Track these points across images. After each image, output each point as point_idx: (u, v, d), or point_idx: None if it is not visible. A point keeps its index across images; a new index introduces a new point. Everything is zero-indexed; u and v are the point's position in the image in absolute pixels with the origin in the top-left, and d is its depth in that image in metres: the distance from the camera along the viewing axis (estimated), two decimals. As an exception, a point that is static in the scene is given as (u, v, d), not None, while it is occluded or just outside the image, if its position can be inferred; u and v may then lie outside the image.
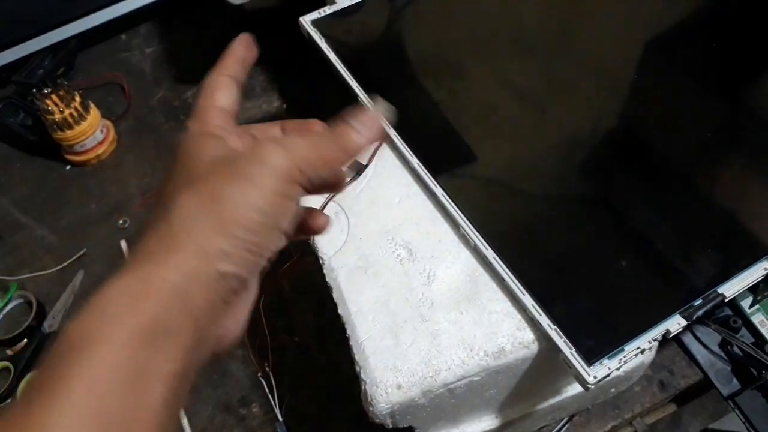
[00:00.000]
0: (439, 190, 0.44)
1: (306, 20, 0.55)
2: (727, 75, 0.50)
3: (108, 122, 0.75)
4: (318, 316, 0.59)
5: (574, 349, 0.36)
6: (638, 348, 0.36)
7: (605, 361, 0.35)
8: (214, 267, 0.27)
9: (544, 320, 0.37)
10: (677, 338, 0.52)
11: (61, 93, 0.69)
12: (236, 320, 0.30)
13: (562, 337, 0.36)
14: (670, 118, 0.48)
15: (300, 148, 0.30)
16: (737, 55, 0.51)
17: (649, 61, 0.51)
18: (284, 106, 0.74)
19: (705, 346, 0.51)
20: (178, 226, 0.27)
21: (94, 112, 0.72)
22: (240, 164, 0.29)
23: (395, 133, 0.47)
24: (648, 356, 0.45)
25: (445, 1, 0.58)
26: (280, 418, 0.53)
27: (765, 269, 0.38)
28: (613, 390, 0.48)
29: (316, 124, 0.35)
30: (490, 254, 0.40)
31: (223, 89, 0.34)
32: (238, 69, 0.36)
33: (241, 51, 0.36)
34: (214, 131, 0.32)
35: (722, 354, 0.51)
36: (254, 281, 0.31)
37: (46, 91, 0.68)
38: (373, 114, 0.32)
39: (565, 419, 0.50)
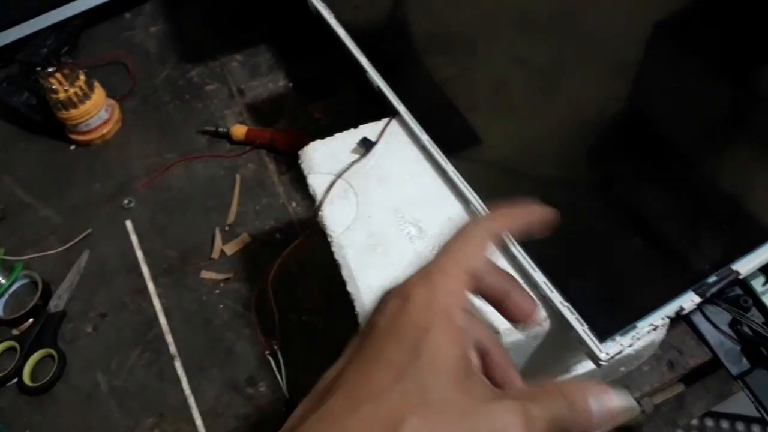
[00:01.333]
0: (450, 168, 0.43)
1: (314, -4, 0.54)
2: (737, 56, 0.49)
3: (113, 101, 0.74)
4: (325, 295, 0.58)
5: (586, 326, 0.35)
6: (651, 325, 0.35)
7: (618, 337, 0.35)
8: None
9: (556, 297, 0.37)
10: (687, 318, 0.52)
11: (66, 71, 0.68)
12: None
13: (574, 314, 0.36)
14: (679, 98, 0.48)
15: (542, 427, 0.24)
16: (747, 36, 0.50)
17: (658, 42, 0.50)
18: (291, 85, 0.74)
19: (715, 326, 0.51)
20: None
21: (98, 91, 0.71)
22: (480, 427, 0.23)
23: (405, 109, 0.46)
24: (659, 335, 0.45)
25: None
26: (287, 397, 0.53)
27: (780, 246, 0.38)
28: (622, 369, 0.48)
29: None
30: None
31: (484, 252, 0.28)
32: (505, 230, 0.30)
33: (534, 218, 0.30)
34: (463, 324, 0.26)
35: (732, 334, 0.50)
36: None
37: (50, 70, 0.68)
38: (620, 407, 0.25)
39: (574, 398, 0.50)
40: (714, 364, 0.51)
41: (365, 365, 0.25)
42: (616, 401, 0.25)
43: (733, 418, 1.24)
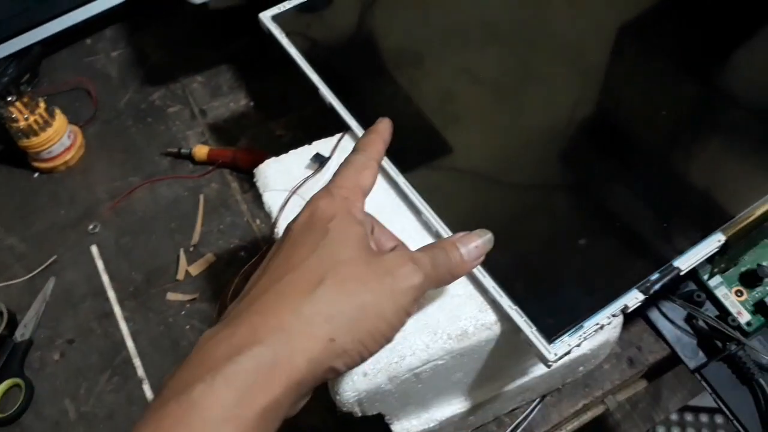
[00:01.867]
0: (401, 179, 0.44)
1: (266, 16, 0.55)
2: (698, 55, 0.51)
3: (75, 127, 0.74)
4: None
5: (534, 328, 0.36)
6: (597, 324, 0.36)
7: (565, 338, 0.36)
8: (331, 362, 0.29)
9: (505, 301, 0.37)
10: (644, 315, 0.53)
11: (25, 100, 0.68)
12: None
13: (522, 317, 0.37)
14: (626, 97, 0.49)
15: (429, 269, 0.32)
16: (706, 35, 0.52)
17: (623, 45, 0.51)
18: (252, 103, 0.74)
19: (671, 321, 0.52)
20: (322, 313, 0.29)
21: (59, 118, 0.72)
22: (384, 274, 0.30)
23: (357, 124, 0.47)
24: (613, 333, 0.46)
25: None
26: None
27: (719, 241, 0.39)
28: (581, 369, 0.49)
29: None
30: (451, 239, 0.40)
31: (372, 174, 0.36)
32: (382, 154, 0.38)
33: (387, 135, 0.39)
34: (360, 216, 0.33)
35: (688, 328, 0.52)
36: None
37: (9, 99, 0.68)
38: (483, 244, 0.34)
39: (537, 400, 0.51)
40: (673, 360, 0.52)
41: (285, 253, 0.32)
42: (476, 240, 0.34)
43: (712, 411, 1.26)
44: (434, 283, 0.33)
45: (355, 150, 0.37)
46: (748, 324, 0.49)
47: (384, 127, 0.39)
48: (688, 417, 1.28)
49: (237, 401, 0.26)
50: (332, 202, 0.33)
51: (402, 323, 0.31)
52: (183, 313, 0.61)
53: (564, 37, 0.53)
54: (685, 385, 0.60)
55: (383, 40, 0.55)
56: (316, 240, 0.31)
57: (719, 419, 1.25)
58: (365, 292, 0.30)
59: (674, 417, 1.27)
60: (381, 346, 0.31)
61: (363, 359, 0.30)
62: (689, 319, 0.52)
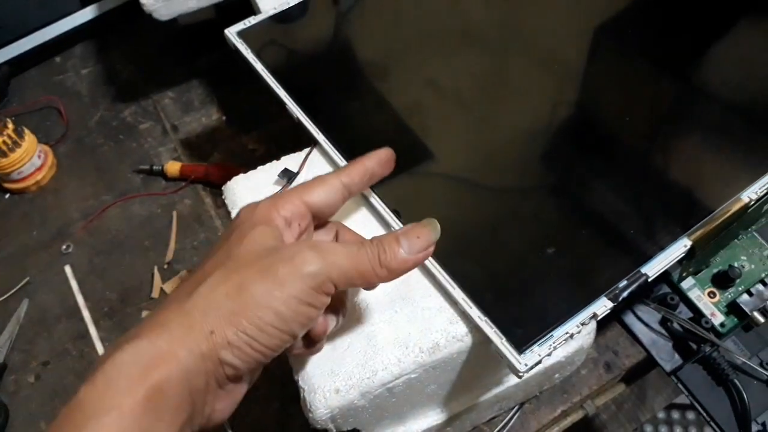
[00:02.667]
0: (372, 196, 0.44)
1: (231, 32, 0.55)
2: (672, 53, 0.51)
3: (46, 147, 0.74)
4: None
5: (504, 339, 0.36)
6: (567, 333, 0.36)
7: (535, 348, 0.36)
8: (218, 354, 0.28)
9: (475, 312, 0.37)
10: (620, 319, 0.53)
11: (-7, 121, 0.67)
12: (227, 403, 0.31)
13: (492, 328, 0.37)
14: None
15: (338, 257, 0.30)
16: (679, 33, 0.52)
17: (600, 46, 0.52)
18: (224, 117, 0.74)
19: (646, 325, 0.52)
20: (199, 306, 0.29)
21: (29, 138, 0.71)
22: (275, 263, 0.30)
23: (324, 138, 0.47)
24: (587, 339, 0.46)
25: (373, 6, 0.59)
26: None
27: (685, 246, 0.39)
28: (557, 376, 0.49)
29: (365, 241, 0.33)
30: (421, 252, 0.40)
31: (325, 190, 0.35)
32: (359, 181, 0.37)
33: (374, 165, 0.38)
34: (276, 221, 0.33)
35: (663, 331, 0.52)
36: (254, 374, 0.33)
37: (-23, 121, 0.67)
38: (426, 233, 0.33)
39: (516, 408, 0.51)
40: (649, 363, 0.53)
41: (210, 254, 0.32)
42: (418, 231, 0.33)
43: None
44: (354, 275, 0.31)
45: (332, 173, 0.38)
46: (722, 325, 0.50)
47: (374, 154, 0.39)
48: (675, 415, 1.29)
49: (116, 392, 0.26)
50: (253, 209, 0.33)
51: (298, 314, 0.29)
52: (158, 332, 0.60)
53: (539, 40, 0.53)
54: (669, 383, 0.60)
55: (354, 52, 0.55)
56: (221, 245, 0.32)
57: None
58: (251, 284, 0.29)
59: (661, 415, 1.27)
60: (280, 339, 0.29)
61: (261, 353, 0.29)
62: (664, 322, 0.52)
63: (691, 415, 1.29)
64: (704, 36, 0.52)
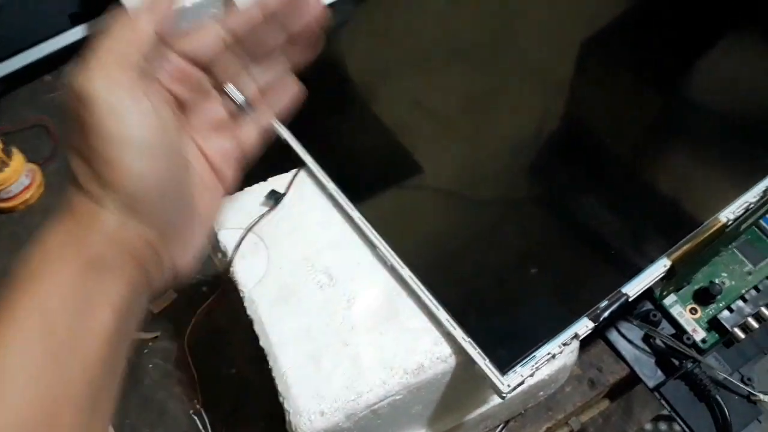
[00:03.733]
0: (356, 214, 0.44)
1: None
2: (657, 65, 0.52)
3: (34, 166, 0.74)
4: (255, 347, 0.58)
5: (487, 360, 0.37)
6: (549, 353, 0.37)
7: (518, 369, 0.37)
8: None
9: (459, 333, 0.38)
10: (603, 336, 0.54)
11: (-19, 141, 0.68)
12: (187, 246, 0.30)
13: (476, 349, 0.37)
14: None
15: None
16: (665, 45, 0.53)
17: (586, 59, 0.52)
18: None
19: (629, 341, 0.53)
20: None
21: (17, 157, 0.71)
22: None
23: (311, 159, 0.48)
24: (570, 357, 0.46)
25: (360, 25, 0.59)
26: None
27: (665, 266, 0.40)
28: (542, 393, 0.49)
29: None
30: (405, 273, 0.41)
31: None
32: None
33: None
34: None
35: (646, 347, 0.53)
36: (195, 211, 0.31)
37: (-36, 141, 0.67)
38: None
39: (501, 426, 0.51)
40: (633, 379, 0.53)
41: None
42: None
43: (685, 420, 1.27)
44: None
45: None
46: (704, 341, 0.51)
47: None
48: (663, 426, 1.29)
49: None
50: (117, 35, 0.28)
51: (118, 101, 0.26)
52: (145, 351, 0.60)
53: (527, 56, 0.54)
54: (654, 398, 0.61)
55: (341, 70, 0.56)
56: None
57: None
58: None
59: (648, 427, 1.28)
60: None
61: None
62: (647, 338, 0.53)
63: (678, 427, 1.29)
64: (687, 54, 0.53)
